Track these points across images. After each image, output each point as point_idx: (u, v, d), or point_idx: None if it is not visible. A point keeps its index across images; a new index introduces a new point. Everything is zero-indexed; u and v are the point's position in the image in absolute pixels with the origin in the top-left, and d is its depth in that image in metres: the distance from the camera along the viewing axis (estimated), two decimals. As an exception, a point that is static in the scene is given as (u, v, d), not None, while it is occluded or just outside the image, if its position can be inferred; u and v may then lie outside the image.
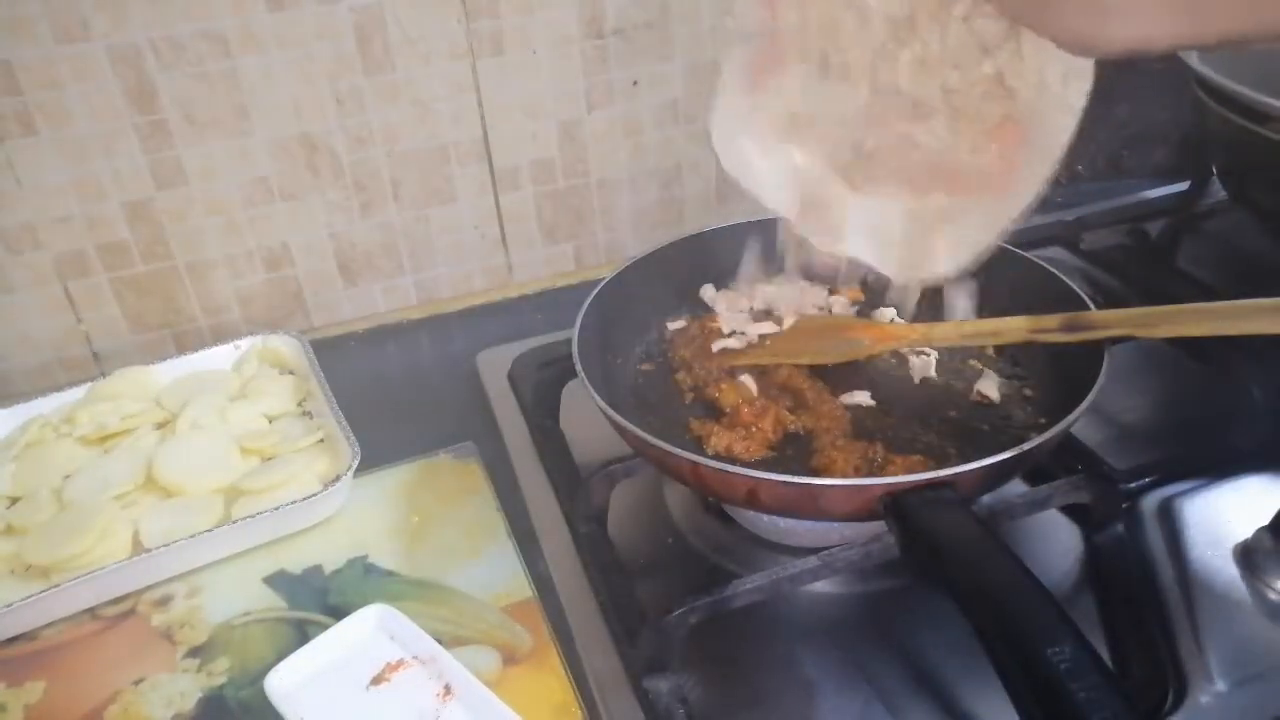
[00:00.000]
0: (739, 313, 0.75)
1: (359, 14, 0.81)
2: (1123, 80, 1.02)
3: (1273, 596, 0.58)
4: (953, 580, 0.47)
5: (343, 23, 0.81)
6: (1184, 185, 1.01)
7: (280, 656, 0.58)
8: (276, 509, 0.66)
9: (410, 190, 0.90)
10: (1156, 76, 0.98)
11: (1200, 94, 0.81)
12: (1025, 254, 0.69)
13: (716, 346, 0.72)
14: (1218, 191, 0.97)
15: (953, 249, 0.51)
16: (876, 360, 0.70)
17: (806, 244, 0.58)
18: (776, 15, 0.55)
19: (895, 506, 0.51)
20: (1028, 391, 0.67)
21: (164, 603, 0.64)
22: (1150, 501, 0.65)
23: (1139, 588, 0.59)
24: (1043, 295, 0.65)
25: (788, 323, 0.73)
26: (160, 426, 0.76)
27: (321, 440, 0.74)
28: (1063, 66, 0.43)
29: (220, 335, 0.89)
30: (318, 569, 0.66)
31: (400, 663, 0.58)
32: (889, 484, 0.52)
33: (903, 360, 0.70)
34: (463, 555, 0.66)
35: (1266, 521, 0.60)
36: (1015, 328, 0.63)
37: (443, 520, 0.69)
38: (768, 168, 0.56)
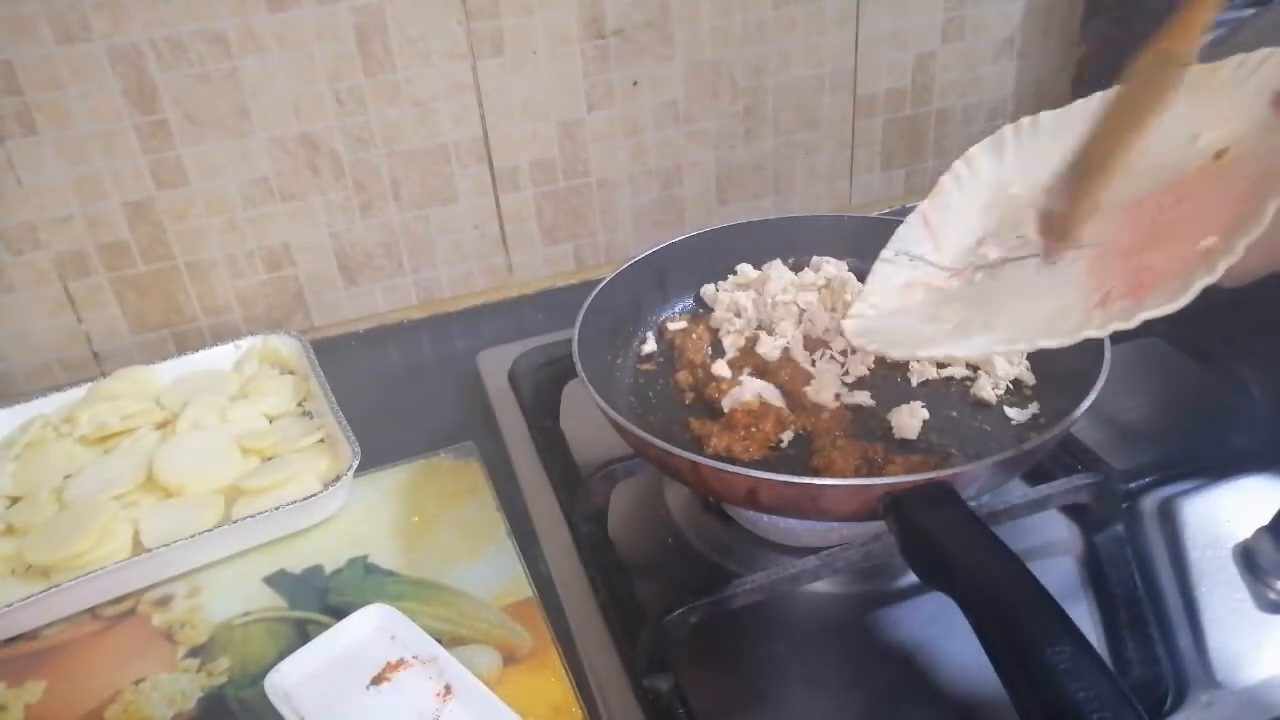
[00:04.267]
0: (737, 315, 0.75)
1: (359, 14, 0.81)
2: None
3: (1273, 596, 0.58)
4: (953, 580, 0.47)
5: (343, 23, 0.81)
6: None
7: (280, 656, 0.58)
8: (277, 509, 0.66)
9: (410, 190, 0.90)
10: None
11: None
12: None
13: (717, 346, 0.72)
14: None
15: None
16: (876, 361, 0.70)
17: None
18: (939, 246, 0.62)
19: (895, 506, 0.51)
20: (1027, 391, 0.67)
21: (164, 602, 0.64)
22: (1150, 501, 0.65)
23: (1139, 588, 0.59)
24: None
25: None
26: (160, 426, 0.76)
27: (322, 440, 0.74)
28: None
29: (220, 335, 0.89)
30: (318, 569, 0.66)
31: (400, 662, 0.58)
32: (889, 484, 0.52)
33: (903, 363, 0.70)
34: (463, 555, 0.66)
35: (1266, 521, 0.60)
36: None
37: (443, 520, 0.69)
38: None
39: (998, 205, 0.62)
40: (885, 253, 0.64)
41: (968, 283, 0.60)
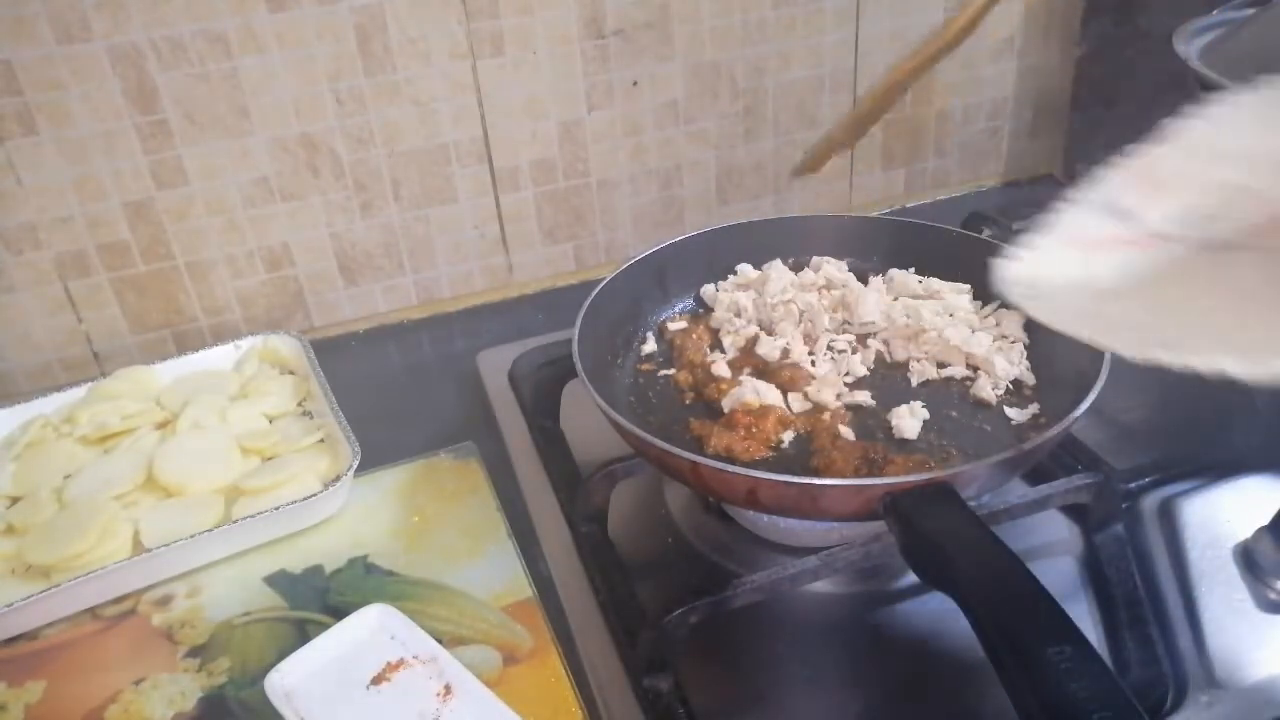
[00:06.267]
0: (737, 315, 0.75)
1: (359, 14, 0.81)
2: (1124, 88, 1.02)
3: (1273, 596, 0.58)
4: (953, 580, 0.47)
5: (343, 23, 0.81)
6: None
7: (281, 656, 0.58)
8: (277, 509, 0.66)
9: (410, 190, 0.90)
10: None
11: (1201, 93, 0.81)
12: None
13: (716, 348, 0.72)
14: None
15: None
16: (876, 360, 0.70)
17: None
18: (1154, 202, 0.53)
19: (895, 506, 0.51)
20: (1027, 391, 0.67)
21: (164, 602, 0.64)
22: (1150, 501, 0.65)
23: (1139, 588, 0.59)
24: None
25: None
26: (160, 426, 0.76)
27: (322, 440, 0.74)
28: None
29: (220, 335, 0.89)
30: (318, 569, 0.66)
31: (401, 662, 0.58)
32: (889, 484, 0.52)
33: (903, 362, 0.70)
34: (463, 555, 0.66)
35: (1266, 521, 0.60)
36: None
37: (443, 520, 0.69)
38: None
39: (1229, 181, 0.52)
40: (1078, 196, 0.54)
41: (1164, 255, 0.52)
